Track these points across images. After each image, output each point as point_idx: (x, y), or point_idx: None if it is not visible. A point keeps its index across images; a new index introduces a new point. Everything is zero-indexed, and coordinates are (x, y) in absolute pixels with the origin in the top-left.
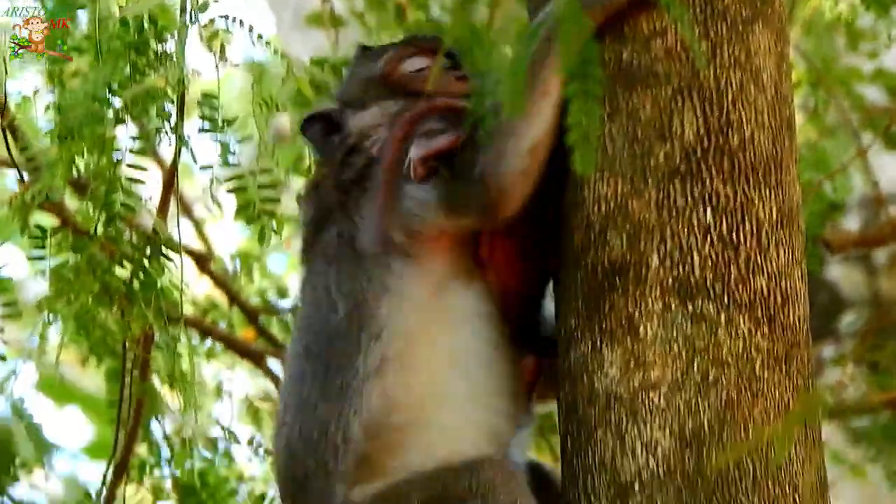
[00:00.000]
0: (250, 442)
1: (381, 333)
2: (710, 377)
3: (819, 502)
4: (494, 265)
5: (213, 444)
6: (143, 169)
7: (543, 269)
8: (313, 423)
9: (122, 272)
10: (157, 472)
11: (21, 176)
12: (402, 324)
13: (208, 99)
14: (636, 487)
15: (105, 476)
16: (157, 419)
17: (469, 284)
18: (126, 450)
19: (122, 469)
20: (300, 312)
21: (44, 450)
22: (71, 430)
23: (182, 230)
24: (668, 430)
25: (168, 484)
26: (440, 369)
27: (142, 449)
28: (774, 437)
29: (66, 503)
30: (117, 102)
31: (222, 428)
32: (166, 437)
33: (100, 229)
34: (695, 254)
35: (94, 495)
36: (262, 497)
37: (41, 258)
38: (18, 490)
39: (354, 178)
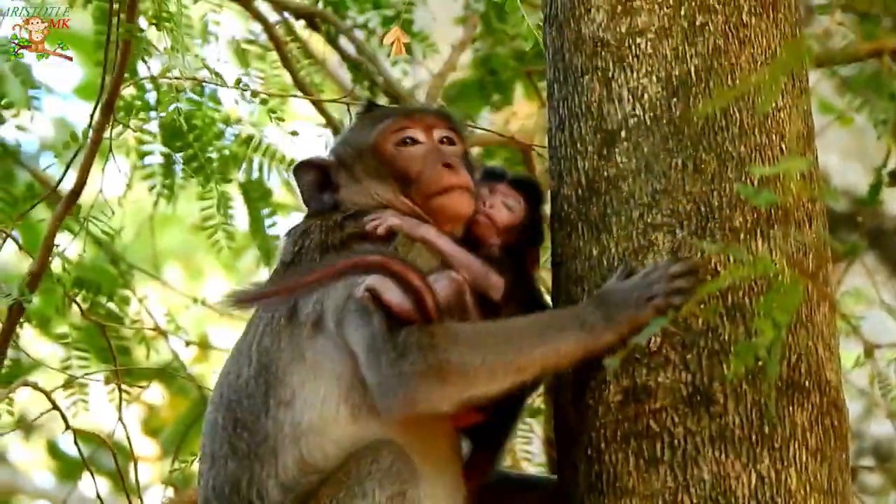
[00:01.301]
0: (237, 83)
1: (293, 402)
2: (697, 23)
3: (805, 150)
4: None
5: (199, 86)
6: None
7: None
8: (223, 478)
9: None
10: (143, 114)
11: None
12: (316, 396)
13: None
14: (622, 134)
15: (92, 117)
16: (144, 61)
17: None
18: (113, 91)
19: (108, 110)
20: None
21: (30, 87)
22: (61, 72)
23: None
24: (654, 77)
25: (154, 126)
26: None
27: (129, 91)
28: (761, 84)
29: (54, 143)
30: None
31: (209, 70)
32: (153, 79)
33: None
34: None
35: (80, 136)
36: (250, 139)
37: None
38: (5, 131)
39: (337, 244)
